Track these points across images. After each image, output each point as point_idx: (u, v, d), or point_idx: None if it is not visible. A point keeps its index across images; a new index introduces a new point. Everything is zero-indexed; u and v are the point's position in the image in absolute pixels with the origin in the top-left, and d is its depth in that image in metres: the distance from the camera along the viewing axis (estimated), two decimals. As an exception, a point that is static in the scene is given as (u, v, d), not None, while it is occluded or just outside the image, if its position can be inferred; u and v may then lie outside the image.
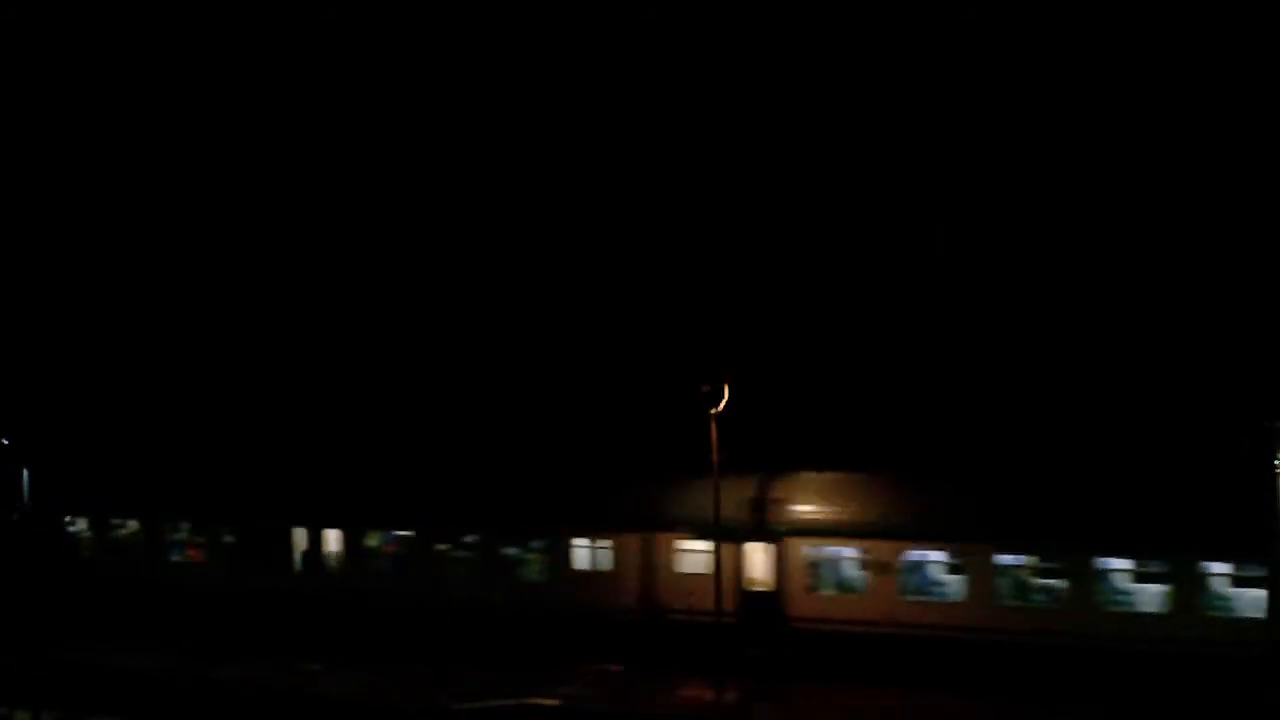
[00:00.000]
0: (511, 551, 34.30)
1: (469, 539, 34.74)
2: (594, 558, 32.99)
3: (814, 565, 30.47)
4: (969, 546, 28.82)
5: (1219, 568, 26.63)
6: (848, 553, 30.24)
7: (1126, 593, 27.83)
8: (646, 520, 32.29)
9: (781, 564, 30.71)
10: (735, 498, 30.73)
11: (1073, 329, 40.82)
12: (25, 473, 39.57)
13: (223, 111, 56.20)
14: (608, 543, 32.74)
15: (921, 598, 29.35)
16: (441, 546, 35.08)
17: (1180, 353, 38.58)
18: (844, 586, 30.31)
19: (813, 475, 31.91)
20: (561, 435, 42.54)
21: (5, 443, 40.29)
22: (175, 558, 38.79)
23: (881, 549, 29.62)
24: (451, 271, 51.94)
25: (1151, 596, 27.44)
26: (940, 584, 29.41)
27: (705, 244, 46.54)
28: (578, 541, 33.17)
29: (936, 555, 29.32)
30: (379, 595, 35.53)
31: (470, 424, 45.74)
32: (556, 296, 49.80)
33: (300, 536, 37.01)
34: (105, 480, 41.13)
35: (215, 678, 32.39)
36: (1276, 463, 25.58)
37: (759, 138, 46.94)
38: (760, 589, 30.92)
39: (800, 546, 30.49)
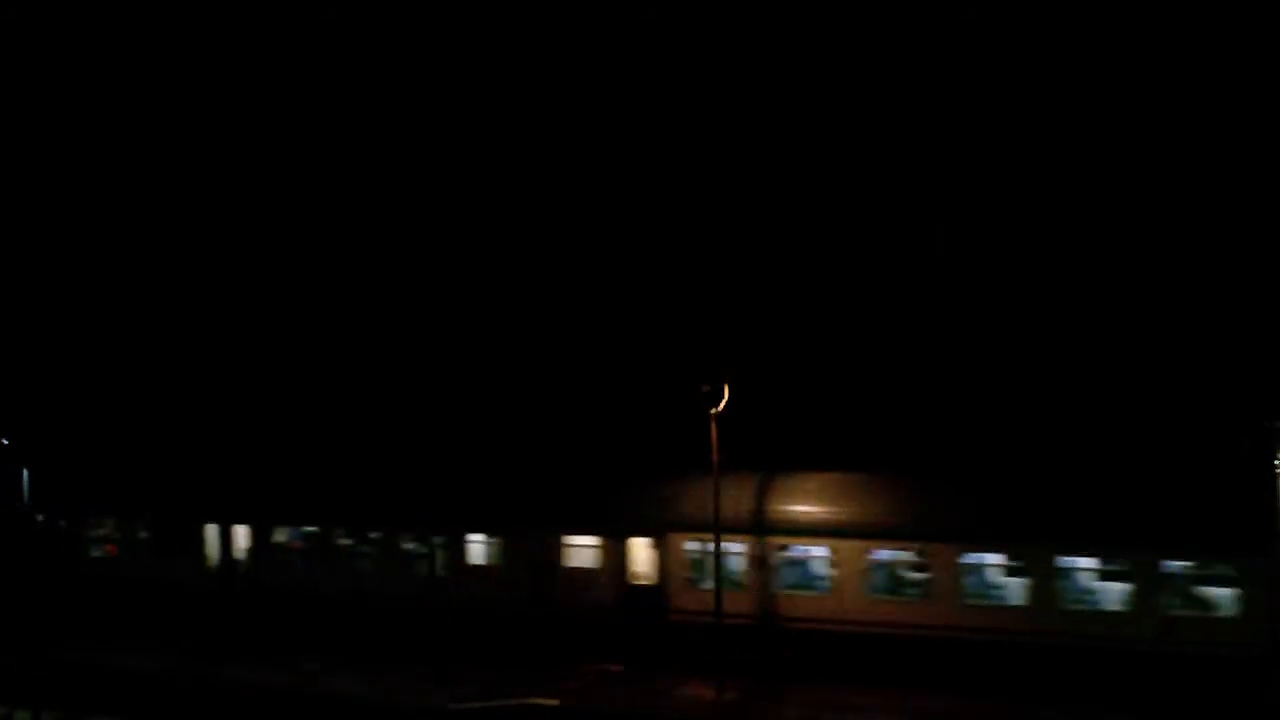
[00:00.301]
0: (411, 546, 35.34)
1: (372, 534, 35.86)
2: (489, 553, 34.17)
3: (696, 560, 31.18)
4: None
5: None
6: (733, 548, 30.81)
7: (998, 587, 28.32)
8: (537, 517, 33.57)
9: (664, 559, 31.62)
10: (625, 496, 32.44)
11: (1073, 329, 40.85)
12: (25, 473, 39.63)
13: (223, 111, 56.28)
14: (500, 539, 33.99)
15: (805, 591, 30.09)
16: (345, 542, 36.21)
17: (1180, 353, 38.60)
18: (726, 581, 30.66)
19: (698, 477, 31.89)
20: (463, 434, 43.97)
21: (5, 443, 40.30)
22: (96, 553, 40.81)
23: (759, 545, 30.39)
24: (371, 270, 53.16)
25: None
26: (823, 578, 30.04)
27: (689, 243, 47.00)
28: (473, 537, 34.28)
29: (819, 550, 30.05)
30: (287, 589, 36.81)
31: (375, 423, 47.27)
32: (476, 298, 50.91)
33: (212, 533, 38.55)
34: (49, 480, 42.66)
35: (214, 677, 32.51)
36: (1276, 463, 25.58)
37: (759, 138, 46.99)
38: (644, 583, 31.95)
39: (681, 542, 31.12)
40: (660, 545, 31.82)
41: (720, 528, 29.48)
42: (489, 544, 34.14)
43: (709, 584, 30.47)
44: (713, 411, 28.77)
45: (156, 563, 39.13)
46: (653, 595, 31.82)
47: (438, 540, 34.70)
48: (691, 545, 31.26)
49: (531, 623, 33.24)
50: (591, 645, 32.29)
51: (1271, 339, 36.57)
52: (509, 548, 33.82)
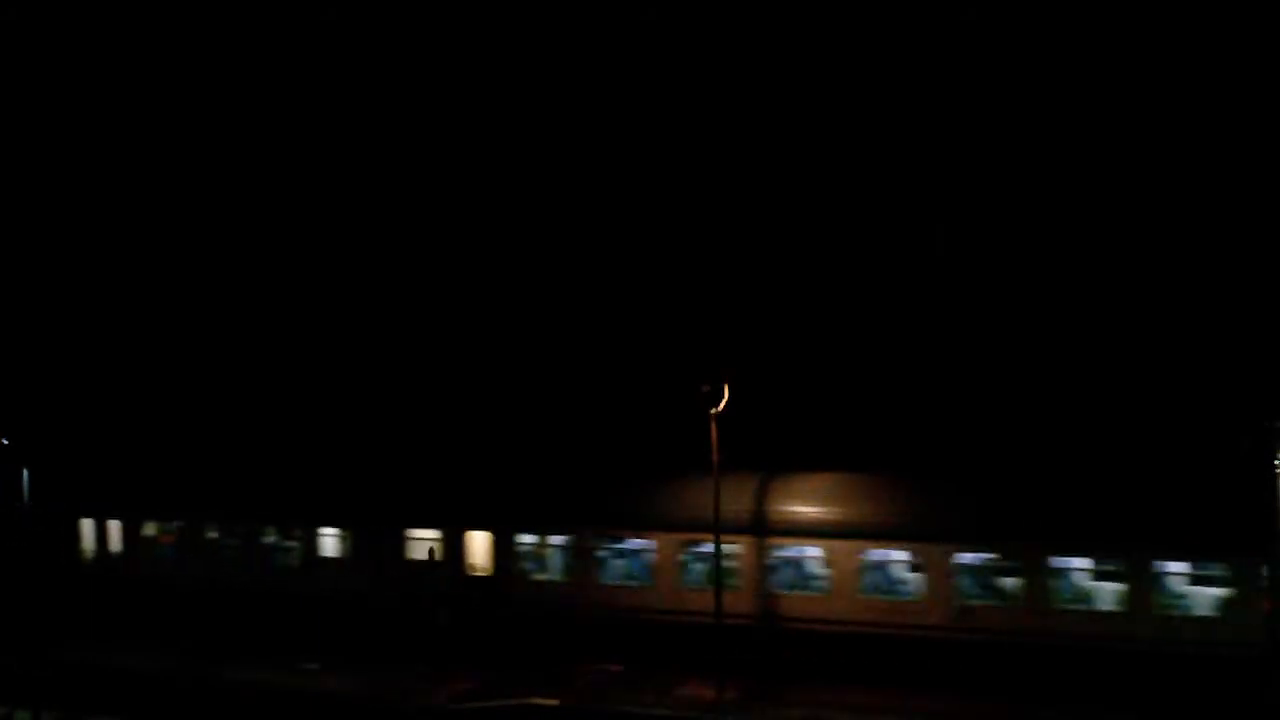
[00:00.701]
0: (272, 540, 37.23)
1: (237, 529, 37.91)
2: (339, 546, 36.16)
3: (530, 553, 33.71)
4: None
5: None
6: (556, 541, 33.34)
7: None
8: (382, 511, 35.58)
9: (499, 552, 33.76)
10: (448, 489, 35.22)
11: (1073, 330, 40.84)
12: (25, 473, 39.61)
13: (223, 111, 56.25)
14: (348, 531, 36.03)
15: (626, 581, 32.31)
16: (213, 535, 38.11)
17: (1180, 352, 38.58)
18: (554, 571, 33.42)
19: (530, 478, 35.08)
20: (321, 431, 46.20)
21: (5, 443, 40.26)
22: None
23: (579, 537, 32.67)
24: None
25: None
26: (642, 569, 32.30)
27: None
28: (324, 530, 36.29)
29: (640, 543, 32.12)
30: (158, 580, 38.76)
31: (244, 422, 49.06)
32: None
33: (87, 526, 40.44)
34: None
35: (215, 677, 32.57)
36: (1276, 463, 25.57)
37: (759, 138, 46.96)
38: (480, 574, 33.91)
39: (515, 536, 33.70)
40: (497, 539, 33.65)
41: (538, 523, 33.01)
42: (340, 537, 35.96)
43: (541, 575, 33.26)
44: (712, 411, 28.72)
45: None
46: (489, 586, 33.63)
47: (297, 533, 36.75)
48: (527, 538, 33.39)
49: (375, 612, 34.97)
50: (429, 632, 34.03)
51: (1271, 339, 36.56)
52: (356, 540, 35.65)
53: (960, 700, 27.95)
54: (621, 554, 32.53)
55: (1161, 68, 41.21)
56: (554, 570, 33.37)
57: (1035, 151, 42.80)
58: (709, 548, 30.01)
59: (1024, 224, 42.60)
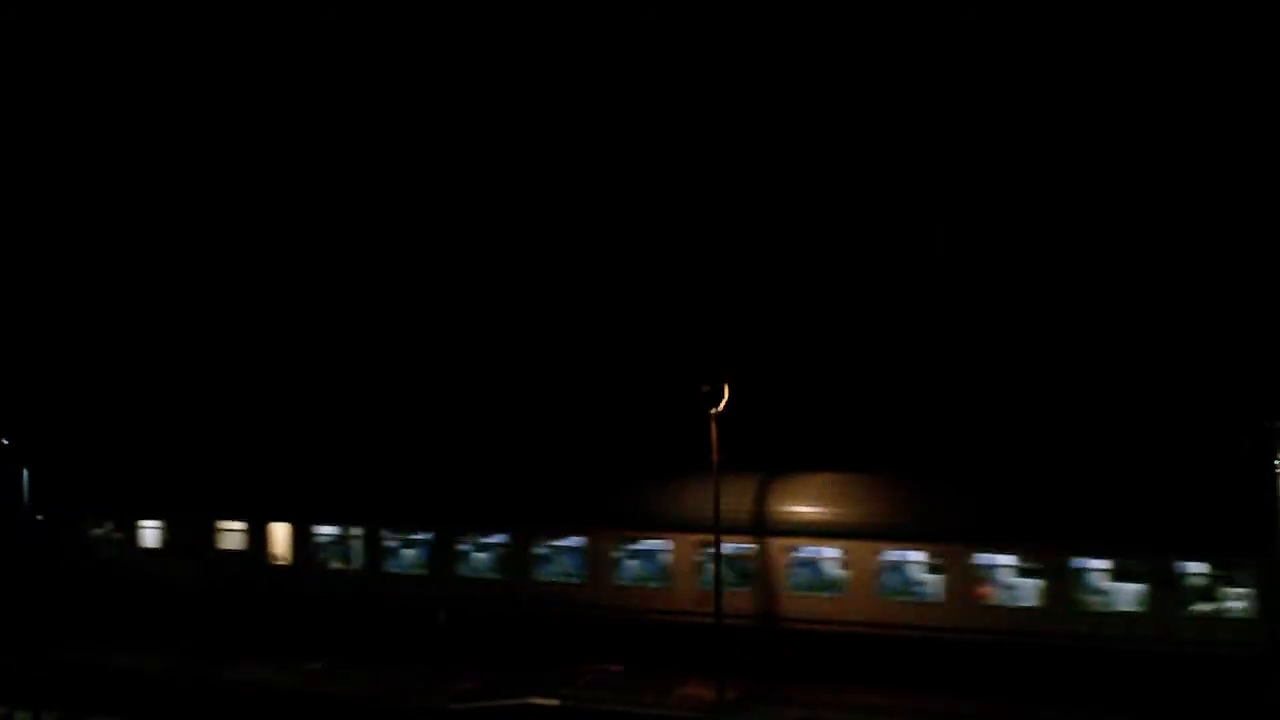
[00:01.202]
0: (99, 531, 39.66)
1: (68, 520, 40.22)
2: (162, 536, 38.50)
3: (329, 545, 36.03)
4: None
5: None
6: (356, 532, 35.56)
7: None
8: (194, 502, 37.99)
9: (299, 542, 36.18)
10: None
11: (1073, 330, 40.86)
12: (25, 473, 39.59)
13: (223, 111, 56.28)
14: (163, 523, 38.29)
15: (397, 569, 34.88)
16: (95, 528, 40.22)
17: (1180, 352, 38.60)
18: (342, 560, 35.72)
19: (330, 473, 37.64)
20: (148, 423, 48.36)
21: (5, 443, 40.24)
22: None
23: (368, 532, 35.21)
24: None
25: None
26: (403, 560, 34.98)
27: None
28: (145, 523, 38.70)
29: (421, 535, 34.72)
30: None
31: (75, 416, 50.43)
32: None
33: None
34: None
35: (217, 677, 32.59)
36: (1276, 463, 25.58)
37: (759, 138, 46.98)
38: (281, 564, 36.38)
39: (312, 528, 36.07)
40: (297, 531, 36.10)
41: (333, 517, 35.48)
42: (158, 528, 38.31)
43: (335, 564, 35.44)
44: (713, 411, 28.65)
45: None
46: (289, 575, 36.11)
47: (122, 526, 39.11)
48: (326, 530, 35.74)
49: (191, 599, 37.22)
50: (236, 619, 36.27)
51: (1271, 339, 36.58)
52: (171, 531, 37.97)
53: (960, 700, 27.96)
54: (411, 544, 34.71)
55: (1160, 68, 41.23)
56: (354, 559, 35.44)
57: (1035, 152, 42.83)
58: (493, 538, 33.36)
59: (1024, 224, 42.62)
